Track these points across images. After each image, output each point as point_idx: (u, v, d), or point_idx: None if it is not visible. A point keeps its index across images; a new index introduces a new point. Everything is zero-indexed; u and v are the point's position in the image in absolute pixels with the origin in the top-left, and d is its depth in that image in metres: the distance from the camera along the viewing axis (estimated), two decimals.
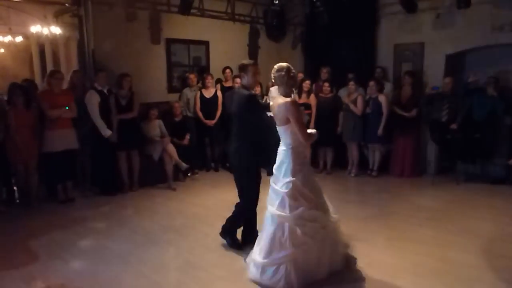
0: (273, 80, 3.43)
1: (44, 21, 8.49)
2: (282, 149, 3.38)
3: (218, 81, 7.51)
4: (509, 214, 4.88)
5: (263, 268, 3.26)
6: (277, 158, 3.39)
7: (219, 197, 5.66)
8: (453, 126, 6.14)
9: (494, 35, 6.15)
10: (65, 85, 5.75)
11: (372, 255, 3.80)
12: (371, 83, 6.47)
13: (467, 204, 5.23)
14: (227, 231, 4.07)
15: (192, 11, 6.84)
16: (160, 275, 3.49)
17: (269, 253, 3.24)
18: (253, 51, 8.28)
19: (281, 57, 8.45)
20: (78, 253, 3.95)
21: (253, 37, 8.23)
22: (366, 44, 7.36)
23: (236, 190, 3.97)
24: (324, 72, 7.07)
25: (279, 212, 3.23)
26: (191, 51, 7.52)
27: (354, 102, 6.51)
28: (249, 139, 3.72)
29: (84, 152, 5.72)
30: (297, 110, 3.27)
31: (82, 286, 3.33)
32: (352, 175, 6.69)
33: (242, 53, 8.13)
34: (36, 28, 8.55)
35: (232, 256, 3.83)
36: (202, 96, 6.85)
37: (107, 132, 5.52)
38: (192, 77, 6.97)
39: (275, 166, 3.39)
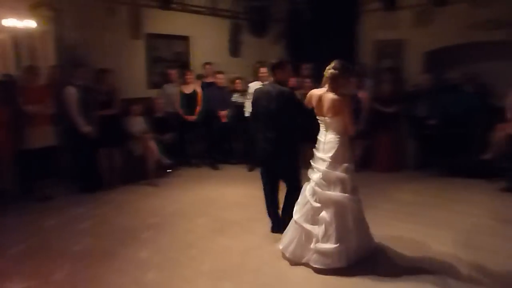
0: (326, 75, 3.58)
1: (19, 14, 8.25)
2: (332, 138, 3.58)
3: (200, 76, 7.48)
4: (484, 206, 5.04)
5: (333, 254, 3.40)
6: (325, 146, 3.59)
7: (201, 193, 5.66)
8: (432, 122, 6.30)
9: (470, 33, 6.31)
10: (42, 81, 5.63)
11: None
12: (352, 79, 6.55)
13: (445, 198, 5.37)
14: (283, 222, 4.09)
15: (173, 5, 6.80)
16: (142, 272, 3.48)
17: (339, 237, 3.42)
18: (235, 46, 8.28)
19: (263, 53, 8.52)
20: (57, 252, 3.89)
21: (235, 32, 8.23)
22: (347, 41, 7.45)
23: (263, 184, 4.20)
24: (305, 68, 7.12)
25: (342, 195, 3.47)
26: (172, 46, 7.46)
27: None
28: (291, 131, 3.93)
29: (64, 149, 5.63)
30: (350, 105, 3.61)
31: (62, 285, 3.30)
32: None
33: (224, 48, 8.13)
34: (10, 22, 8.30)
35: (215, 252, 3.85)
36: (182, 92, 6.83)
37: (86, 129, 5.44)
38: (173, 72, 6.93)
39: (327, 154, 3.56)
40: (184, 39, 7.54)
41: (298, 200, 3.73)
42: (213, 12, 7.81)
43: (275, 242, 4.06)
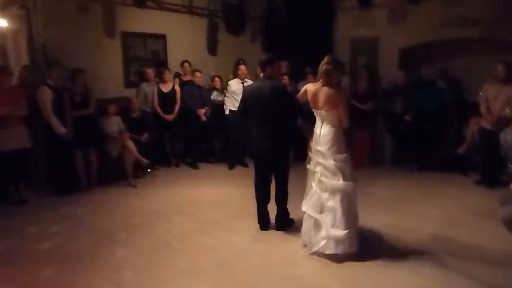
0: (320, 70, 3.73)
1: None
2: (328, 130, 3.71)
3: (177, 75, 7.43)
4: (457, 199, 5.18)
5: (344, 240, 3.55)
6: (322, 139, 3.72)
7: (180, 193, 5.63)
8: (407, 117, 6.43)
9: (443, 30, 6.45)
10: (14, 81, 5.49)
11: None
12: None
13: (420, 192, 5.50)
14: (286, 221, 4.29)
15: (148, 3, 6.72)
16: (119, 275, 3.44)
17: (348, 223, 3.61)
18: (212, 44, 8.23)
19: (241, 51, 8.53)
20: (33, 256, 3.81)
21: (212, 30, 8.18)
22: (323, 38, 7.51)
23: (256, 180, 4.29)
24: (282, 66, 7.12)
25: (345, 183, 3.63)
26: (148, 44, 7.37)
27: None
28: (285, 125, 4.10)
29: (37, 151, 5.50)
30: (345, 98, 3.80)
31: None
32: None
33: (201, 46, 8.08)
34: None
35: (194, 251, 3.84)
36: (159, 90, 6.76)
37: (61, 130, 5.34)
38: (150, 71, 6.84)
39: (325, 146, 3.69)
40: (161, 37, 7.45)
41: (305, 191, 3.91)
42: (190, 10, 7.74)
43: (254, 240, 4.09)
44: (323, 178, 3.69)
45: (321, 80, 3.72)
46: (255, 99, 4.06)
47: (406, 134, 6.55)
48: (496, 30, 6.05)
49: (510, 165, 5.62)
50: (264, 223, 4.31)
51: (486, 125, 5.58)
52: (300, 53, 7.49)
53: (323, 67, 3.69)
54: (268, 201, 4.31)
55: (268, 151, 4.08)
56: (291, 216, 4.39)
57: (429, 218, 4.55)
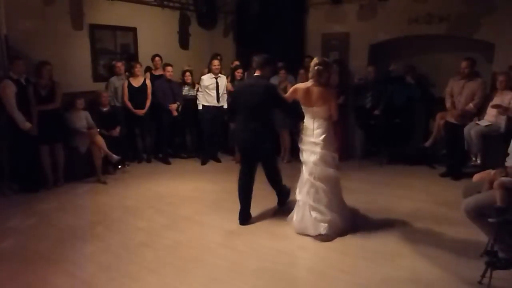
0: (312, 71, 4.06)
1: None
2: (320, 124, 4.06)
3: (148, 69, 7.28)
4: (424, 191, 5.33)
5: (338, 221, 3.99)
6: (316, 132, 4.07)
7: (151, 189, 5.54)
8: (376, 112, 6.55)
9: (411, 26, 6.59)
10: None
11: (303, 237, 3.96)
12: (301, 71, 6.64)
13: (389, 185, 5.62)
14: (285, 198, 4.70)
15: None
16: (88, 273, 3.34)
17: (340, 206, 4.11)
18: (183, 38, 8.13)
19: (213, 45, 8.46)
20: None
21: (184, 24, 8.07)
22: (295, 33, 7.53)
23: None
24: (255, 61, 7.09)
25: (335, 171, 4.08)
26: (118, 37, 7.18)
27: (284, 90, 6.64)
28: (271, 121, 4.47)
29: (2, 147, 5.27)
30: (335, 95, 4.23)
31: None
32: (285, 161, 6.86)
33: (172, 40, 7.96)
34: None
35: (165, 247, 3.78)
36: (130, 85, 6.59)
37: (26, 125, 5.13)
38: (120, 65, 6.67)
39: (319, 137, 4.05)
40: (131, 30, 7.28)
41: (299, 181, 4.18)
42: (161, 3, 7.59)
43: (227, 235, 4.07)
44: (316, 167, 4.01)
45: (313, 79, 4.05)
46: (246, 95, 4.24)
47: (375, 128, 6.67)
48: (461, 28, 6.23)
49: (473, 158, 5.83)
50: (243, 218, 4.34)
51: (451, 119, 5.75)
52: (272, 48, 7.48)
53: (315, 67, 4.01)
54: (250, 194, 4.37)
55: (256, 144, 4.28)
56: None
57: (396, 209, 4.66)
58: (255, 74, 4.36)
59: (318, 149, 4.02)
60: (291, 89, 4.24)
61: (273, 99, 4.19)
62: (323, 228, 3.91)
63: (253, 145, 4.29)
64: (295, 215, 4.13)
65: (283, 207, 4.66)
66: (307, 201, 4.03)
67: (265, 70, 4.32)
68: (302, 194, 4.09)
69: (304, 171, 4.11)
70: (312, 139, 4.07)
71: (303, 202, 4.06)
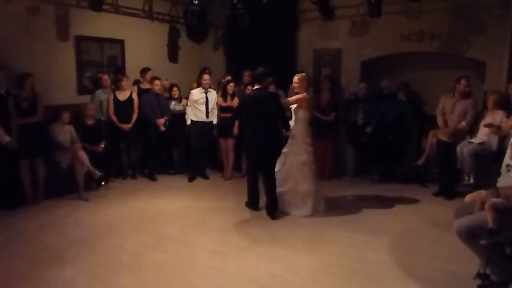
0: (295, 83, 5.24)
1: None
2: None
3: (136, 82, 7.27)
4: (416, 210, 5.36)
5: (320, 203, 5.22)
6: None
7: (135, 207, 5.47)
8: (368, 129, 6.61)
9: (402, 43, 6.71)
10: None
11: (292, 258, 3.93)
12: (292, 86, 6.68)
13: (380, 203, 5.64)
14: (275, 206, 5.10)
15: (105, 7, 6.56)
16: None
17: (319, 191, 5.27)
18: (173, 51, 8.17)
19: (202, 59, 8.51)
20: None
21: (173, 37, 8.12)
22: (287, 48, 7.61)
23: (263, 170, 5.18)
24: (247, 76, 7.15)
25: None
26: (105, 49, 7.18)
27: None
28: (277, 125, 5.20)
29: None
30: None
31: None
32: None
33: (161, 53, 7.99)
34: None
35: (148, 269, 3.72)
36: (115, 98, 6.57)
37: (5, 139, 5.05)
38: (106, 77, 6.66)
39: (296, 134, 5.20)
40: (118, 42, 7.29)
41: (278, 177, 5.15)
42: (150, 15, 7.64)
43: (212, 255, 4.02)
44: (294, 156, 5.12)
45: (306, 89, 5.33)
46: (256, 105, 5.01)
47: (367, 146, 6.71)
48: (453, 46, 6.37)
49: (466, 177, 5.89)
50: (252, 202, 5.29)
51: (444, 137, 5.82)
52: (263, 62, 7.55)
53: (298, 79, 5.21)
54: (257, 187, 5.26)
55: (264, 149, 5.05)
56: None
57: (387, 229, 4.66)
58: (256, 87, 5.12)
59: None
60: (296, 98, 5.17)
61: (277, 105, 5.02)
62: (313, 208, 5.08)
63: (264, 151, 5.03)
64: (283, 201, 5.14)
65: (274, 216, 5.03)
66: (294, 187, 5.11)
67: (265, 82, 5.12)
68: (288, 183, 5.13)
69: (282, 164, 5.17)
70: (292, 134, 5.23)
71: (287, 190, 5.12)
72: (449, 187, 5.85)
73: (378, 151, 6.64)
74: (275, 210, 5.08)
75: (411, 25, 6.61)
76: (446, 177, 5.91)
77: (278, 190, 5.14)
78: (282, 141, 5.25)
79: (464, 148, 5.48)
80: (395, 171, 6.75)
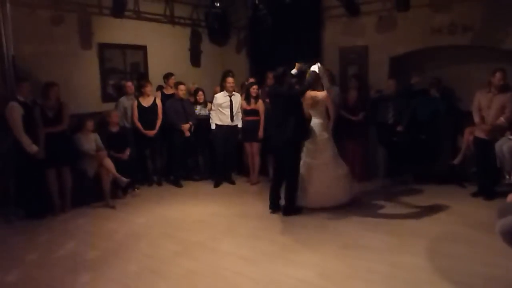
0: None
1: None
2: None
3: (159, 88, 7.37)
4: (454, 212, 5.20)
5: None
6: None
7: (162, 214, 5.53)
8: (399, 128, 6.46)
9: (433, 37, 6.55)
10: None
11: (324, 264, 3.87)
12: None
13: (414, 205, 5.50)
14: (291, 207, 5.26)
15: (127, 13, 6.71)
16: None
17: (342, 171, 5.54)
18: (195, 55, 8.25)
19: (225, 62, 8.56)
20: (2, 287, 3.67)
21: (195, 41, 8.21)
22: (311, 48, 7.55)
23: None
24: (270, 78, 7.12)
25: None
26: (128, 56, 7.33)
27: None
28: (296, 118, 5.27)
29: (6, 171, 5.35)
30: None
31: None
32: None
33: (183, 57, 8.08)
34: None
35: (178, 277, 3.73)
36: (139, 105, 6.67)
37: (32, 148, 5.19)
38: (129, 84, 6.79)
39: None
40: (141, 48, 7.43)
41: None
42: (171, 20, 7.76)
43: (243, 262, 4.01)
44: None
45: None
46: (279, 102, 5.33)
47: (399, 145, 6.57)
48: (487, 37, 6.17)
49: (507, 176, 5.67)
50: (271, 201, 5.41)
51: (481, 134, 5.63)
52: (287, 63, 7.53)
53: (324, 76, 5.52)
54: (279, 187, 5.40)
55: (275, 140, 5.39)
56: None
57: (425, 233, 4.53)
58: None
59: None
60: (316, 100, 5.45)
61: (298, 100, 5.29)
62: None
63: (278, 142, 5.33)
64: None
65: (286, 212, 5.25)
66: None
67: (286, 82, 5.28)
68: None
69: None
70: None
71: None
72: (489, 187, 5.66)
73: (411, 151, 6.48)
74: (288, 207, 5.27)
75: (442, 17, 6.45)
76: (485, 176, 5.71)
77: (301, 184, 5.36)
78: (300, 135, 5.30)
79: (503, 145, 5.28)
80: (430, 171, 6.57)
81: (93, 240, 4.68)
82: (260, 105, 6.71)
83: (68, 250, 4.41)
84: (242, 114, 6.82)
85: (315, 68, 5.42)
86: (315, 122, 5.47)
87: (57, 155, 5.45)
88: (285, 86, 5.30)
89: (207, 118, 6.99)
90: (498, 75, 5.45)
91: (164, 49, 7.68)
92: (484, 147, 5.57)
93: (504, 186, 5.58)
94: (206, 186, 6.89)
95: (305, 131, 5.35)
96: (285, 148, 5.25)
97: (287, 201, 5.32)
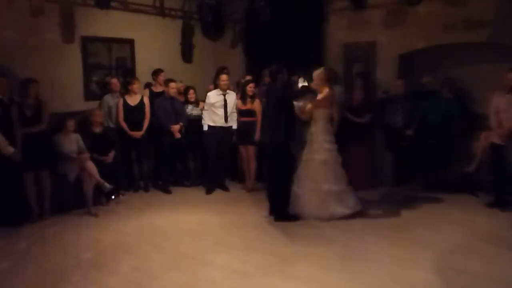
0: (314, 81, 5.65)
1: None
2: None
3: (147, 85, 7.39)
4: (465, 225, 5.21)
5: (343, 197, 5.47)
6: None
7: (149, 222, 5.54)
8: (409, 132, 6.49)
9: (446, 34, 6.59)
10: None
11: (325, 279, 3.88)
12: None
13: (424, 216, 5.53)
14: (284, 213, 5.40)
15: (113, 4, 6.73)
16: None
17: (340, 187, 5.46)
18: (187, 50, 8.28)
19: (219, 58, 8.60)
20: None
21: (187, 34, 8.23)
22: (313, 43, 7.59)
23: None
24: (268, 75, 7.15)
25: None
26: (114, 50, 7.35)
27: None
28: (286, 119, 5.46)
29: None
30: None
31: None
32: None
33: (174, 52, 8.12)
34: None
35: None
36: (125, 103, 6.69)
37: (9, 150, 5.20)
38: (114, 81, 6.81)
39: (315, 132, 5.58)
40: (128, 42, 7.45)
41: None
42: (161, 11, 7.78)
43: (235, 276, 4.02)
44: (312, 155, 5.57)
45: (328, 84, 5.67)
46: (272, 100, 5.59)
47: (408, 151, 6.59)
48: (505, 34, 6.20)
49: None
50: (270, 208, 5.60)
51: (497, 139, 5.66)
52: (286, 60, 7.56)
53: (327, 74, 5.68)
54: (272, 189, 5.59)
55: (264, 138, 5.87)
56: None
57: (434, 245, 4.55)
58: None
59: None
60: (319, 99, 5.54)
61: (290, 100, 5.59)
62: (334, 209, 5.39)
63: (266, 141, 5.75)
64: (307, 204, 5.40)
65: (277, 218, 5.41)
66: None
67: (279, 80, 5.43)
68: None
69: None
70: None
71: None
72: (506, 197, 5.68)
73: (421, 157, 6.52)
74: (280, 212, 5.44)
75: (456, 13, 6.49)
76: (502, 185, 5.74)
77: (294, 189, 5.48)
78: (289, 135, 5.45)
79: None
80: (441, 179, 6.60)
81: (73, 251, 4.68)
82: (256, 105, 6.72)
83: (45, 261, 4.41)
84: (237, 115, 6.85)
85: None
86: (318, 126, 5.53)
87: (36, 157, 5.45)
88: (278, 84, 5.48)
89: (199, 119, 7.01)
90: (509, 75, 5.51)
91: (153, 43, 7.71)
92: (501, 154, 5.61)
93: None
94: (197, 193, 6.90)
95: (293, 133, 5.52)
96: (273, 149, 5.47)
97: (278, 205, 5.48)
